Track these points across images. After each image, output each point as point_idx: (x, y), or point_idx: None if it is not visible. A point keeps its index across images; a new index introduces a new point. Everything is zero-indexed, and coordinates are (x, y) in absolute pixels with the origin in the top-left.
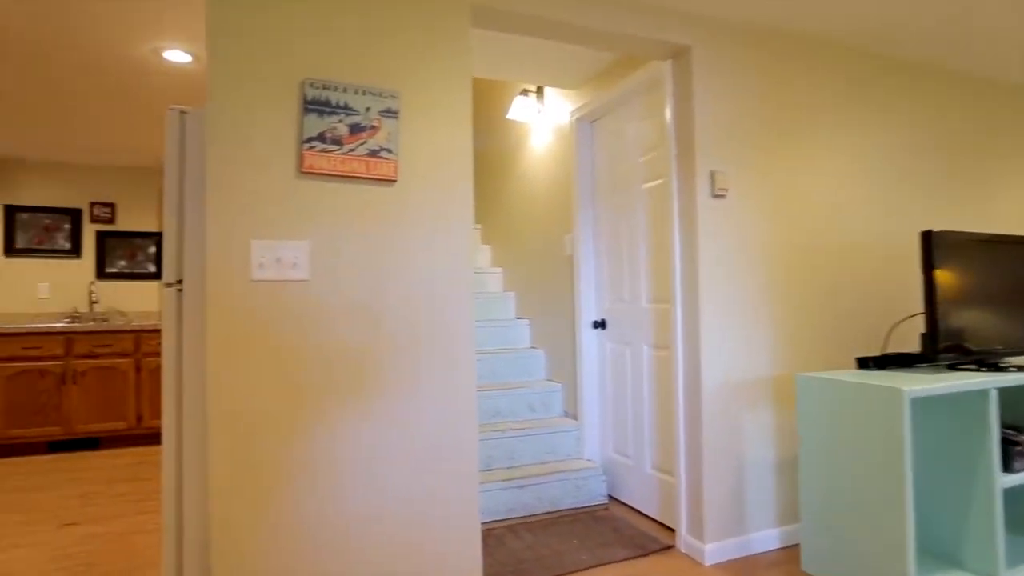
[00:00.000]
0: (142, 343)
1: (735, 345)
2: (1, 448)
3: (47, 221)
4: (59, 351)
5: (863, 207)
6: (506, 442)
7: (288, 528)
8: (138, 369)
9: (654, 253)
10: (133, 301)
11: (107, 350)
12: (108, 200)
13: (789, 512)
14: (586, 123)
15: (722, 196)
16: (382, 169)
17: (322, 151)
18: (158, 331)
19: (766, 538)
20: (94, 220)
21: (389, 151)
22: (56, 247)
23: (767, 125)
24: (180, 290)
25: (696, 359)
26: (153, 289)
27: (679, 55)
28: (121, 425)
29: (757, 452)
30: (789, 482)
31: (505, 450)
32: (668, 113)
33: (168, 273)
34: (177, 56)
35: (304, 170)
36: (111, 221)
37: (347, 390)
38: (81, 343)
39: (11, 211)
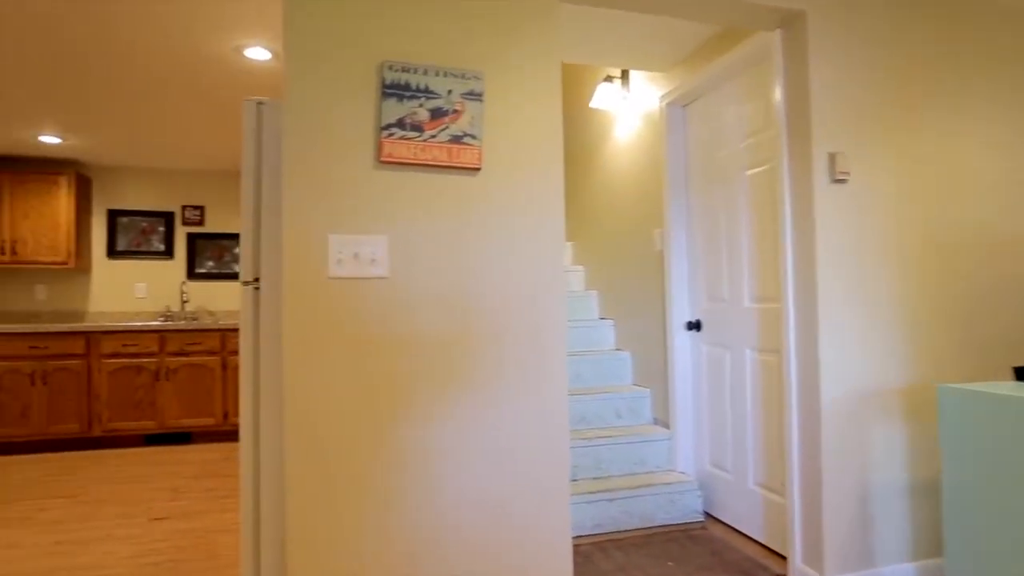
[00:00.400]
0: (228, 341)
1: (859, 350)
2: (104, 439)
3: (144, 224)
4: (154, 348)
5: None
6: (592, 450)
7: (363, 530)
8: (224, 367)
9: (759, 247)
10: (220, 300)
11: (196, 348)
12: (198, 203)
13: (930, 544)
14: (677, 107)
15: (843, 180)
16: (465, 156)
17: (402, 138)
18: None
19: (900, 573)
20: (185, 222)
21: (473, 137)
22: (151, 249)
23: (899, 98)
24: (257, 288)
25: (813, 365)
26: (238, 289)
27: (790, 23)
28: (209, 421)
29: (887, 472)
30: (928, 509)
31: (591, 459)
32: (777, 90)
33: (245, 271)
34: (257, 53)
35: (383, 159)
36: (200, 223)
37: (427, 390)
38: (173, 341)
39: (113, 215)
